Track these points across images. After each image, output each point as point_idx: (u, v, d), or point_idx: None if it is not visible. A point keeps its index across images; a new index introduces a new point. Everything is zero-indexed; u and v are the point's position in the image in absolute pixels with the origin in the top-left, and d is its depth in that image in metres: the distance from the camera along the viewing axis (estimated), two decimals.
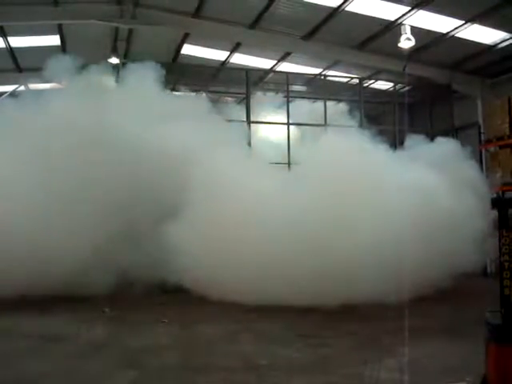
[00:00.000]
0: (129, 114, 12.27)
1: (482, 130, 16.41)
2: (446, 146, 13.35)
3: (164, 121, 12.40)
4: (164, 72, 13.34)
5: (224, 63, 18.20)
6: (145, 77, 12.87)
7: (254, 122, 16.50)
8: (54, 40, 16.34)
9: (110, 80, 13.74)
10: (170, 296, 10.72)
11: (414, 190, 10.95)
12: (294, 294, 9.50)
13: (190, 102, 13.96)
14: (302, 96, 19.31)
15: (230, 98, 19.89)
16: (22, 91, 17.49)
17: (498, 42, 14.73)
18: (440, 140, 13.90)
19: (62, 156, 11.41)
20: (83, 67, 12.52)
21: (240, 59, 18.01)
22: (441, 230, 10.81)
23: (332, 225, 10.02)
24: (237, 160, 11.83)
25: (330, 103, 17.50)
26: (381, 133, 13.16)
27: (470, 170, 13.01)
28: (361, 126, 16.22)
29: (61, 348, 7.40)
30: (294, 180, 11.77)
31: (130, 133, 11.87)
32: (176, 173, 11.45)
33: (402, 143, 14.71)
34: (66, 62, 12.19)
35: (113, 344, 7.63)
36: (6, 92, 17.61)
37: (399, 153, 13.35)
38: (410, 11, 13.57)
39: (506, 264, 4.50)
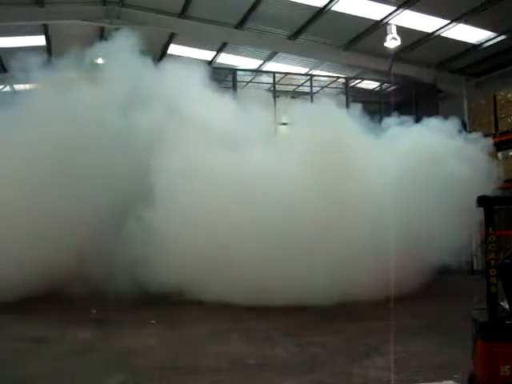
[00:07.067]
0: (110, 97, 11.72)
1: (467, 129, 16.49)
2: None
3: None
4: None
5: (210, 63, 18.18)
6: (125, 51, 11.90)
7: None
8: (39, 40, 16.23)
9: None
10: (158, 297, 10.65)
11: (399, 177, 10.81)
12: (283, 293, 9.48)
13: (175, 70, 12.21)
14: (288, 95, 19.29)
15: None
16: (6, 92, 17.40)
17: (483, 41, 14.85)
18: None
19: (40, 148, 10.96)
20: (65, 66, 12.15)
21: (226, 59, 18.01)
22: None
23: (322, 219, 10.01)
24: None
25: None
26: None
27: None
28: None
29: (48, 349, 7.33)
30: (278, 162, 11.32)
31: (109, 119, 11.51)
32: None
33: None
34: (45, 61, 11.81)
35: (100, 345, 7.57)
36: None
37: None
38: (395, 11, 13.66)
39: (492, 262, 4.53)
